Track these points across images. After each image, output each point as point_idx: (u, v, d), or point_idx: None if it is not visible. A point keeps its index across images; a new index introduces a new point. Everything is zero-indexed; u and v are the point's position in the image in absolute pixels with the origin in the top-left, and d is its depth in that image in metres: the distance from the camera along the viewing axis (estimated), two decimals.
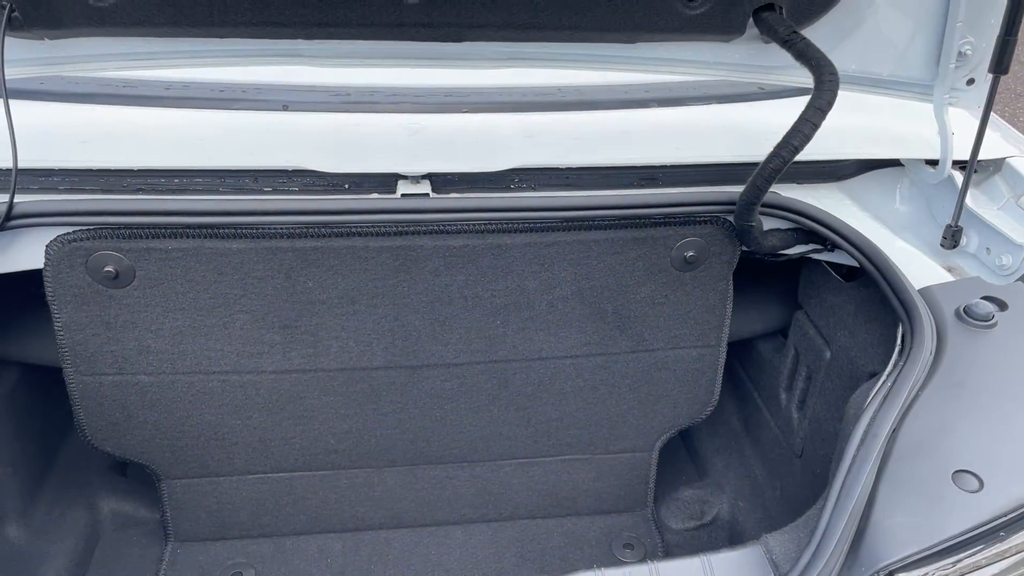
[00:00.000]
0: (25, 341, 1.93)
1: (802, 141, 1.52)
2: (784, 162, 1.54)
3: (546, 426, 2.10)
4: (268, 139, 1.79)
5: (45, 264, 1.68)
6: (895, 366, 1.45)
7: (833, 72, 1.53)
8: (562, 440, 2.13)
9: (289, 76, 1.99)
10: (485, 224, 1.76)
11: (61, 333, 1.77)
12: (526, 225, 1.77)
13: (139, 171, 1.74)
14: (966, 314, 1.53)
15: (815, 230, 1.80)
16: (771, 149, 1.59)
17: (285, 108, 1.88)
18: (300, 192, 1.79)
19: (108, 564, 2.08)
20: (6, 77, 1.53)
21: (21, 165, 1.62)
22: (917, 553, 1.17)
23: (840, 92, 1.56)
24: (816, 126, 1.51)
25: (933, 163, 1.90)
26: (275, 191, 1.79)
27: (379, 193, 1.80)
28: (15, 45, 1.55)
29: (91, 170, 1.72)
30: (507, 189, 1.82)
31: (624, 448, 2.18)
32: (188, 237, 1.70)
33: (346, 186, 1.81)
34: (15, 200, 1.60)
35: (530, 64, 1.80)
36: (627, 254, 1.84)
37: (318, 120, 1.84)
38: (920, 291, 1.61)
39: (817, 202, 1.85)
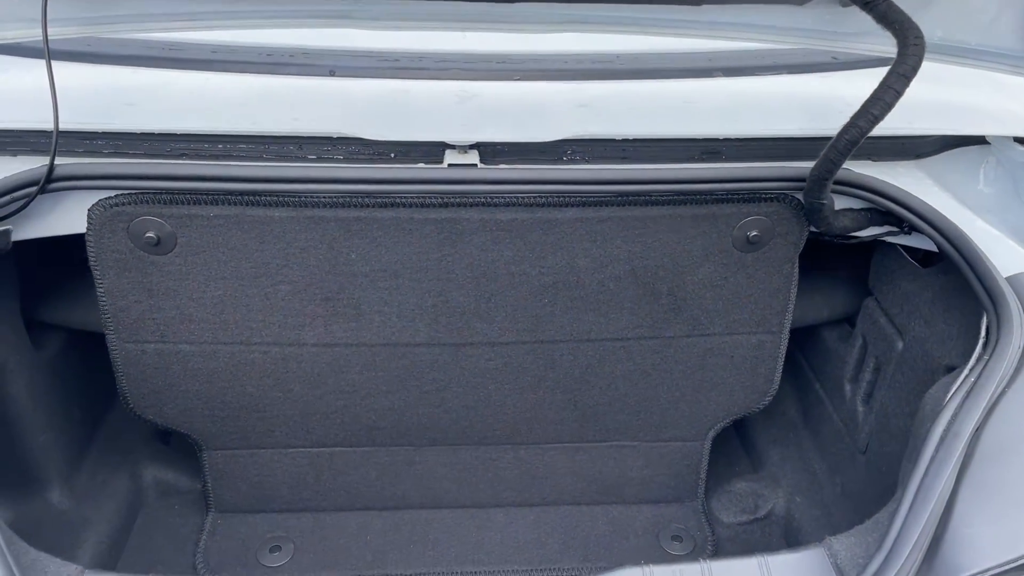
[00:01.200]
0: (70, 306, 1.93)
1: (883, 110, 1.39)
2: (861, 133, 1.42)
3: (594, 410, 2.01)
4: (314, 105, 1.74)
5: (87, 228, 1.66)
6: (978, 360, 1.33)
7: (919, 35, 1.40)
8: (610, 425, 2.04)
9: (336, 41, 1.93)
10: (535, 197, 1.68)
11: (104, 299, 1.75)
12: (578, 199, 1.68)
13: (182, 135, 1.70)
14: None
15: (892, 210, 1.67)
16: (846, 121, 1.47)
17: (332, 74, 1.82)
18: (345, 160, 1.74)
19: (149, 532, 2.08)
20: (49, 36, 1.50)
21: (65, 127, 1.60)
22: (1000, 566, 1.06)
23: (923, 62, 1.43)
24: (899, 94, 1.39)
25: (1023, 141, 1.75)
26: (319, 159, 1.74)
27: (425, 163, 1.73)
28: (60, 3, 1.51)
29: (135, 133, 1.69)
30: (559, 161, 1.73)
31: (675, 436, 2.09)
32: (230, 204, 1.65)
33: (392, 155, 1.74)
34: (57, 163, 1.57)
35: (587, 28, 1.70)
36: (686, 232, 1.74)
37: (365, 86, 1.77)
38: (1008, 279, 1.48)
39: (894, 180, 1.72)
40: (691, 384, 1.98)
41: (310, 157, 1.73)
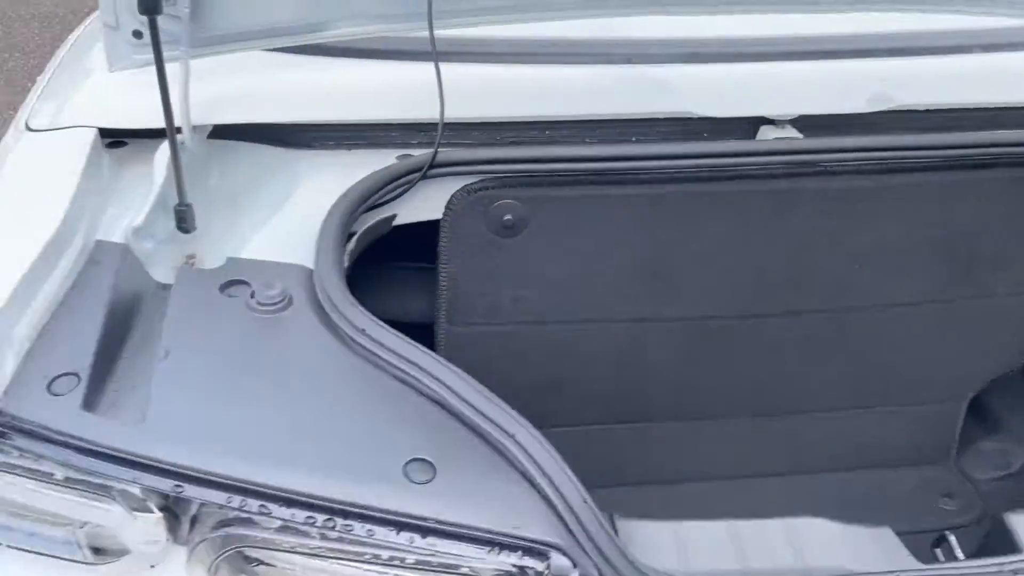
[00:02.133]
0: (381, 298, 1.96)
1: None
2: None
3: (869, 378, 2.09)
4: (626, 90, 1.81)
5: (445, 213, 1.71)
6: None
7: None
8: (885, 391, 2.12)
9: (621, 31, 1.99)
10: (873, 164, 1.75)
11: (445, 283, 1.79)
12: (910, 164, 1.76)
13: (513, 123, 1.76)
14: None
15: None
16: None
17: (629, 62, 1.89)
18: (662, 141, 1.81)
19: None
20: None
21: (411, 119, 1.67)
22: None
23: None
24: None
25: None
26: (638, 141, 1.80)
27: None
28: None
29: (469, 123, 1.75)
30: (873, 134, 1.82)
31: (938, 398, 2.17)
32: (584, 184, 1.71)
33: (704, 135, 1.82)
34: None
35: (879, 7, 1.81)
36: (1006, 195, 1.82)
37: (668, 71, 1.85)
38: None
39: None
40: (968, 346, 2.06)
41: (632, 140, 1.80)
